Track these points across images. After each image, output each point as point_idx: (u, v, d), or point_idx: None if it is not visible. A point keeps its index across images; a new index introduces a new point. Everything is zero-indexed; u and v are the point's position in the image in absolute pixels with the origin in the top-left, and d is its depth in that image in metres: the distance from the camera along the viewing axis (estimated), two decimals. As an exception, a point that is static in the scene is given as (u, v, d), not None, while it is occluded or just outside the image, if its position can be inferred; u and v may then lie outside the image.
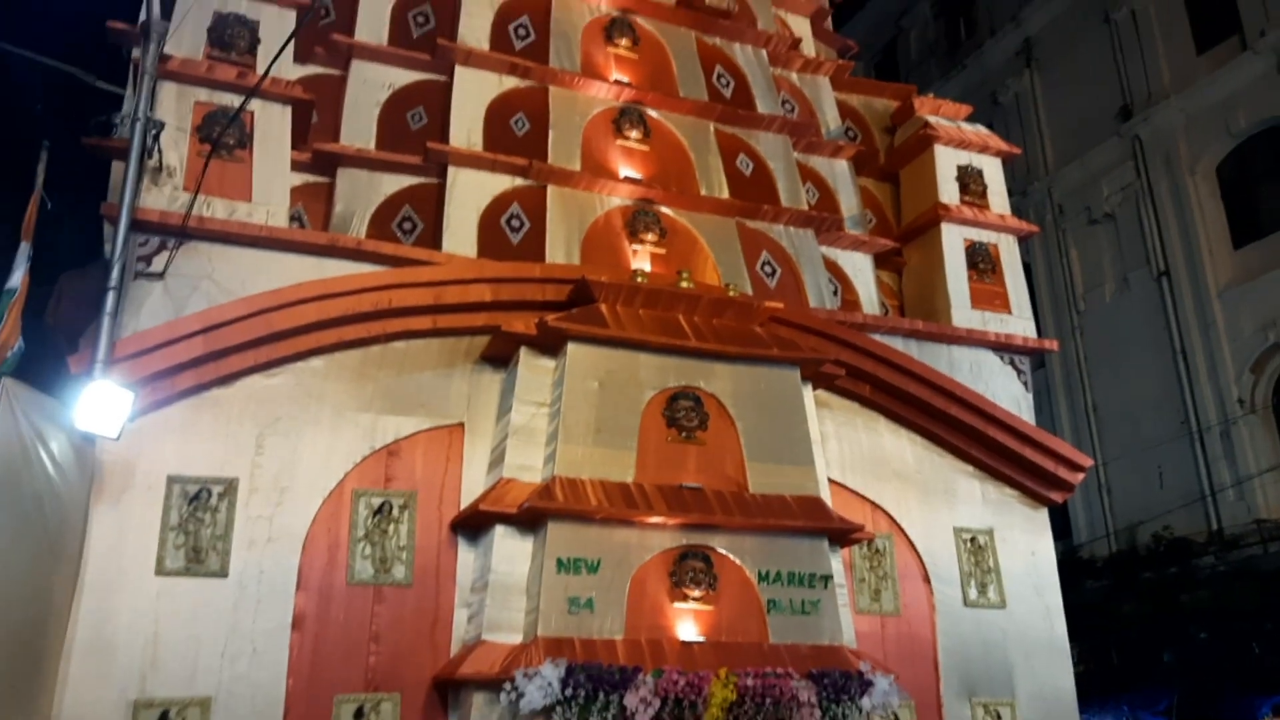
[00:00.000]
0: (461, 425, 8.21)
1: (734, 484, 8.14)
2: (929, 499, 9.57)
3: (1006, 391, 10.22)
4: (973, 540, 9.62)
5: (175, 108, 8.15)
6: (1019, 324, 10.51)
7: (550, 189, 9.29)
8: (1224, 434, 17.40)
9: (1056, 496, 9.97)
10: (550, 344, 8.14)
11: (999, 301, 10.53)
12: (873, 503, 9.36)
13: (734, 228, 9.87)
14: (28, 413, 6.07)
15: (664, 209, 9.66)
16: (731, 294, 8.77)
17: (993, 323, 10.39)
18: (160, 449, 7.35)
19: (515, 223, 9.15)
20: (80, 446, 6.59)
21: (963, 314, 10.26)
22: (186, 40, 8.37)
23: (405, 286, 8.08)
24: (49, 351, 8.12)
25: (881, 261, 10.99)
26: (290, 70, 8.97)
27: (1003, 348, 10.36)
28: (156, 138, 7.59)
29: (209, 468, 7.46)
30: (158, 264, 7.74)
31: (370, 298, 7.95)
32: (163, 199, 7.84)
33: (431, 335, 8.28)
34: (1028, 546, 9.80)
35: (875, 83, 12.55)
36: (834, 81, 11.90)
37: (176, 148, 8.02)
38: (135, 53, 8.78)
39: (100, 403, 6.47)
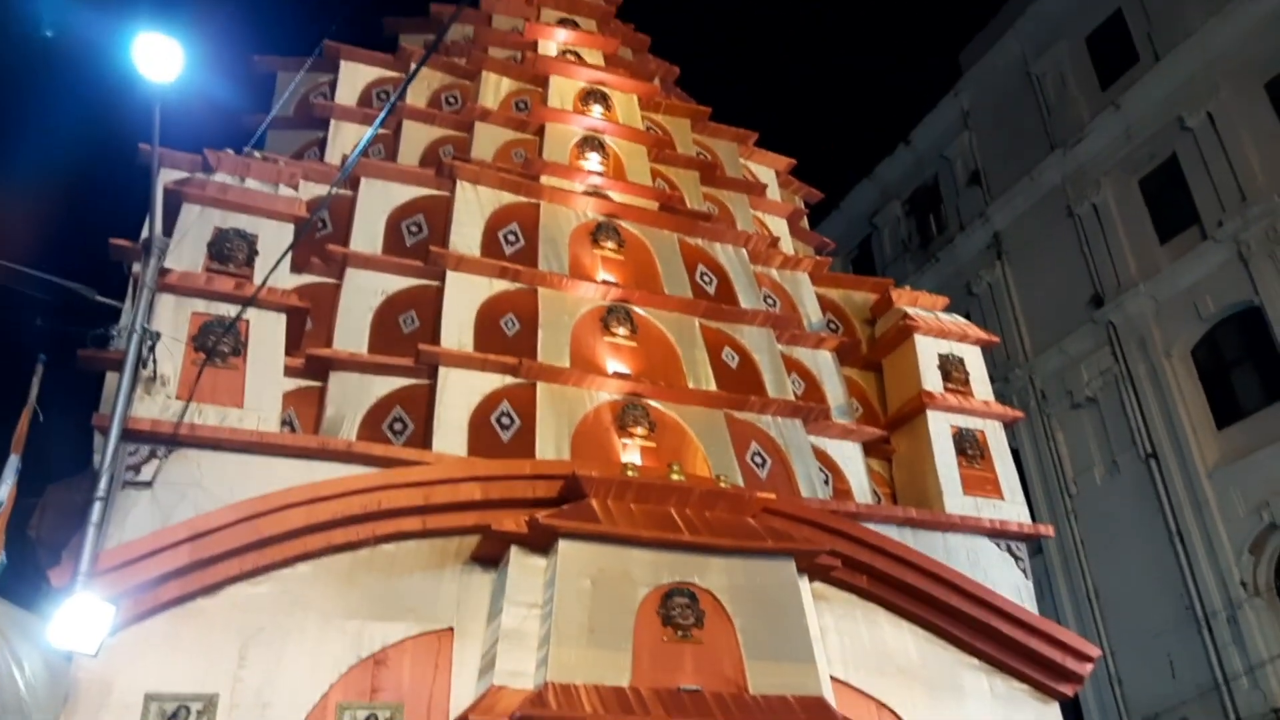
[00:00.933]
0: (451, 630, 7.98)
1: (734, 685, 7.87)
2: (936, 696, 9.23)
3: (1006, 579, 10.05)
4: (983, 738, 9.24)
5: (172, 319, 8.32)
6: (1012, 509, 10.46)
7: (540, 386, 9.41)
8: (1231, 619, 17.02)
9: (1067, 689, 9.65)
10: (541, 542, 8.04)
11: (990, 487, 10.52)
12: (878, 701, 9.03)
13: (723, 419, 9.95)
14: (3, 630, 5.88)
15: (653, 403, 9.76)
16: (723, 485, 8.75)
17: (986, 509, 10.33)
18: (139, 665, 7.10)
19: (505, 420, 9.21)
20: (56, 665, 6.36)
21: (955, 501, 10.22)
22: (186, 254, 8.65)
23: (395, 488, 8.04)
24: (30, 566, 7.96)
25: (871, 450, 11.03)
26: (286, 279, 9.24)
27: (998, 534, 10.26)
28: (152, 349, 7.71)
29: (189, 684, 7.19)
30: (146, 473, 7.71)
31: (359, 500, 7.90)
32: (155, 408, 7.89)
33: (421, 536, 8.18)
34: (1039, 744, 9.41)
35: (854, 277, 12.97)
36: (813, 277, 12.29)
37: (171, 357, 8.14)
38: (135, 267, 9.03)
39: (79, 618, 6.29)
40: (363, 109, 11.90)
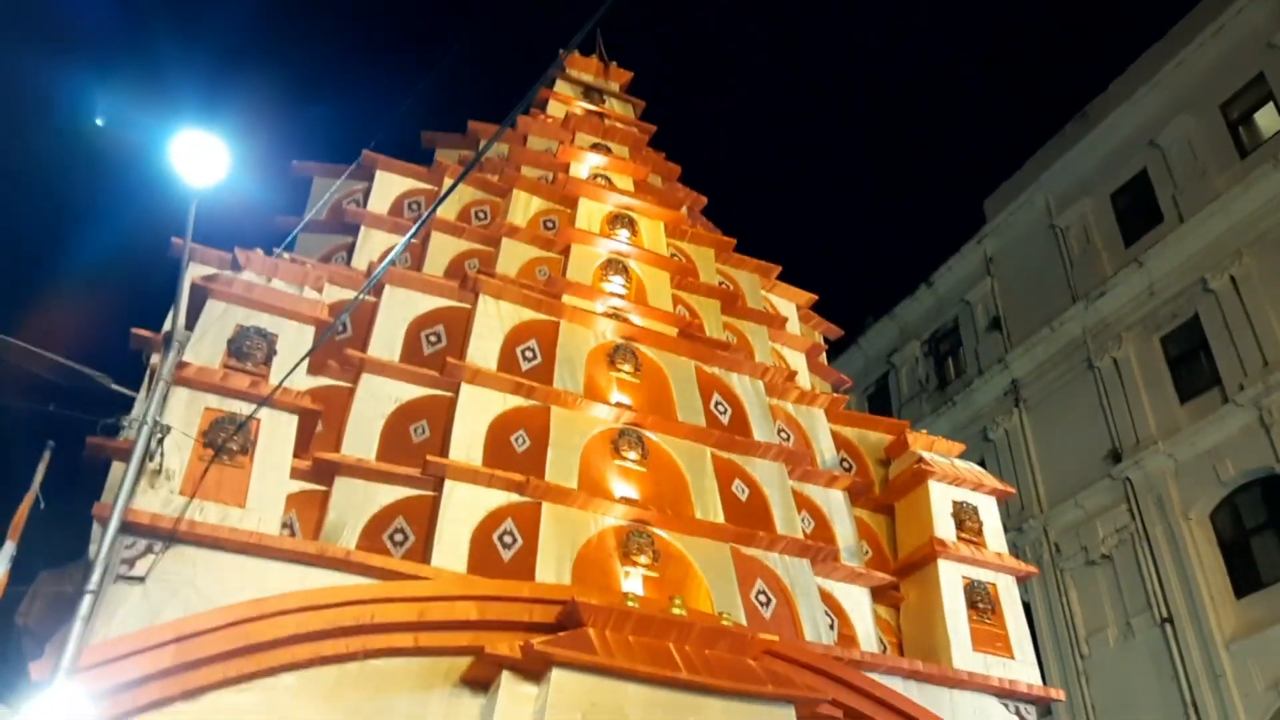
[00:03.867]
0: (435, 756, 7.70)
1: (723, 836, 7.51)
2: None
3: (1011, 742, 9.68)
4: None
5: (185, 413, 8.31)
6: (1022, 669, 10.13)
7: (545, 506, 9.28)
8: (1247, 801, 16.30)
9: None
10: (534, 669, 7.80)
11: (1000, 644, 10.21)
12: None
13: (729, 553, 9.77)
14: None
15: (659, 531, 9.60)
16: (726, 623, 8.52)
17: (995, 667, 10.01)
18: (109, 768, 6.85)
19: (508, 539, 9.06)
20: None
21: (964, 656, 9.92)
22: (205, 350, 8.69)
23: (389, 601, 7.87)
24: (14, 656, 7.77)
25: (878, 596, 10.77)
26: (302, 380, 9.24)
27: (1007, 695, 9.92)
28: (160, 441, 7.67)
29: (159, 792, 6.92)
30: (140, 568, 7.58)
31: (353, 611, 7.72)
32: (156, 502, 7.80)
33: (412, 654, 7.95)
34: None
35: (869, 416, 12.88)
36: (829, 414, 12.22)
37: (179, 452, 8.09)
38: (155, 359, 9.06)
39: (53, 716, 6.09)
40: (393, 218, 12.10)
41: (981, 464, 23.82)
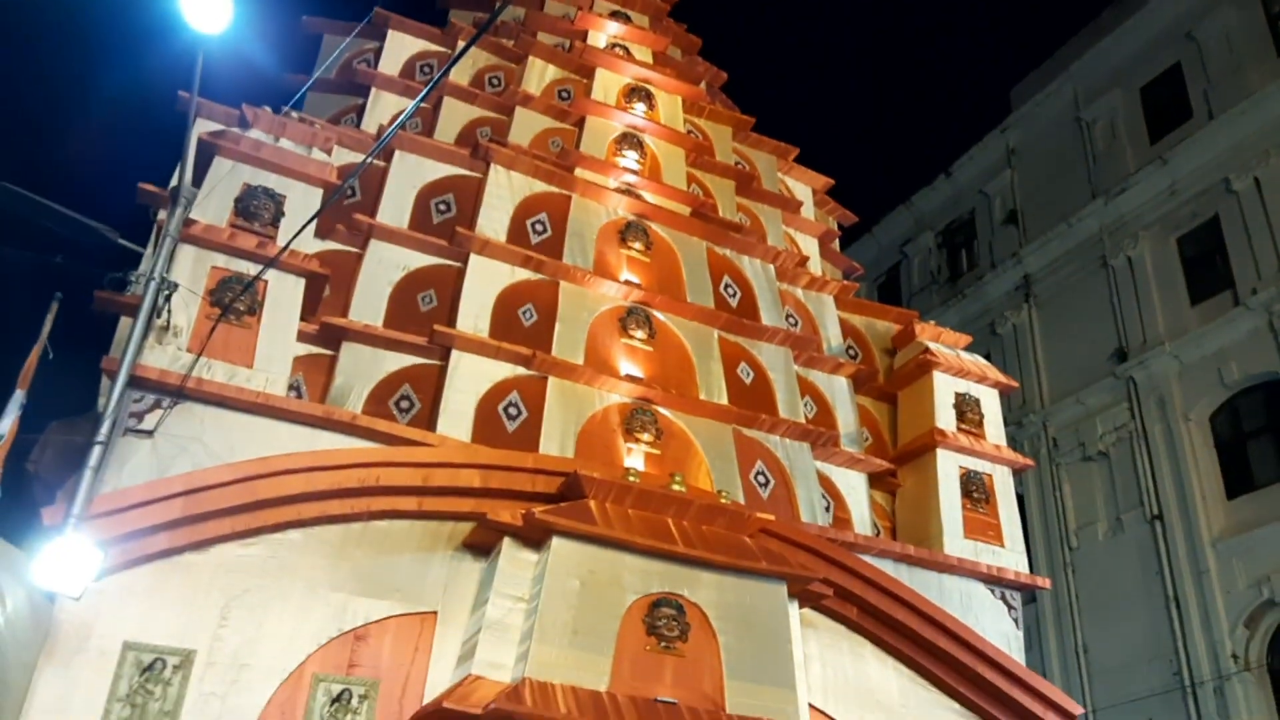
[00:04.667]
0: (435, 614, 7.93)
1: (711, 703, 7.78)
2: (914, 736, 9.14)
3: (996, 627, 9.95)
4: (959, 786, 9.13)
5: (192, 270, 8.28)
6: (1011, 558, 10.35)
7: (551, 380, 9.33)
8: (1218, 690, 16.83)
9: (1048, 743, 9.52)
10: (535, 537, 7.97)
11: (992, 533, 10.40)
12: (855, 735, 8.93)
13: (730, 435, 9.86)
14: (-5, 568, 5.86)
15: (662, 410, 9.67)
16: (724, 501, 8.66)
17: (985, 554, 10.22)
18: (121, 613, 7.07)
19: (513, 411, 9.14)
20: (38, 603, 6.33)
21: (955, 543, 10.11)
22: (213, 208, 8.61)
23: (394, 465, 7.99)
24: (26, 501, 7.94)
25: (875, 482, 10.93)
26: (309, 244, 9.21)
27: (994, 581, 10.16)
28: (168, 298, 7.67)
29: (168, 637, 7.15)
30: (149, 422, 7.68)
31: (358, 474, 7.85)
32: (164, 358, 7.85)
33: (415, 517, 8.12)
34: (1016, 797, 9.29)
35: (878, 305, 12.82)
36: (838, 301, 12.17)
37: (186, 309, 8.10)
38: (161, 215, 8.99)
39: (65, 560, 6.26)
40: (404, 80, 11.83)
41: (987, 357, 23.79)
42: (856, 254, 30.11)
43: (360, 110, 11.73)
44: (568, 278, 10.06)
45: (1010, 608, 10.17)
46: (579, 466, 8.29)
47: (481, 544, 8.14)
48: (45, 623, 6.50)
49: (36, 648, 6.65)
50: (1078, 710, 9.61)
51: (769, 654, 8.18)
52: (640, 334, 10.06)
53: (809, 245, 13.29)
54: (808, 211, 13.72)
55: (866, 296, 28.57)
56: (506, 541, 8.00)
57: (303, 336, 8.96)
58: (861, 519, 10.39)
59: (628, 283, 10.34)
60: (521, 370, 9.34)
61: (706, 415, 9.84)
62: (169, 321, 7.93)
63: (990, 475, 10.73)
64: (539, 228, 10.44)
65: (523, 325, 9.68)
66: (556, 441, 8.98)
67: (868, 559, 9.59)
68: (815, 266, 12.83)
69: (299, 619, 7.53)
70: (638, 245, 10.70)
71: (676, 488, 8.53)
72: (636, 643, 7.81)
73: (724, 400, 10.03)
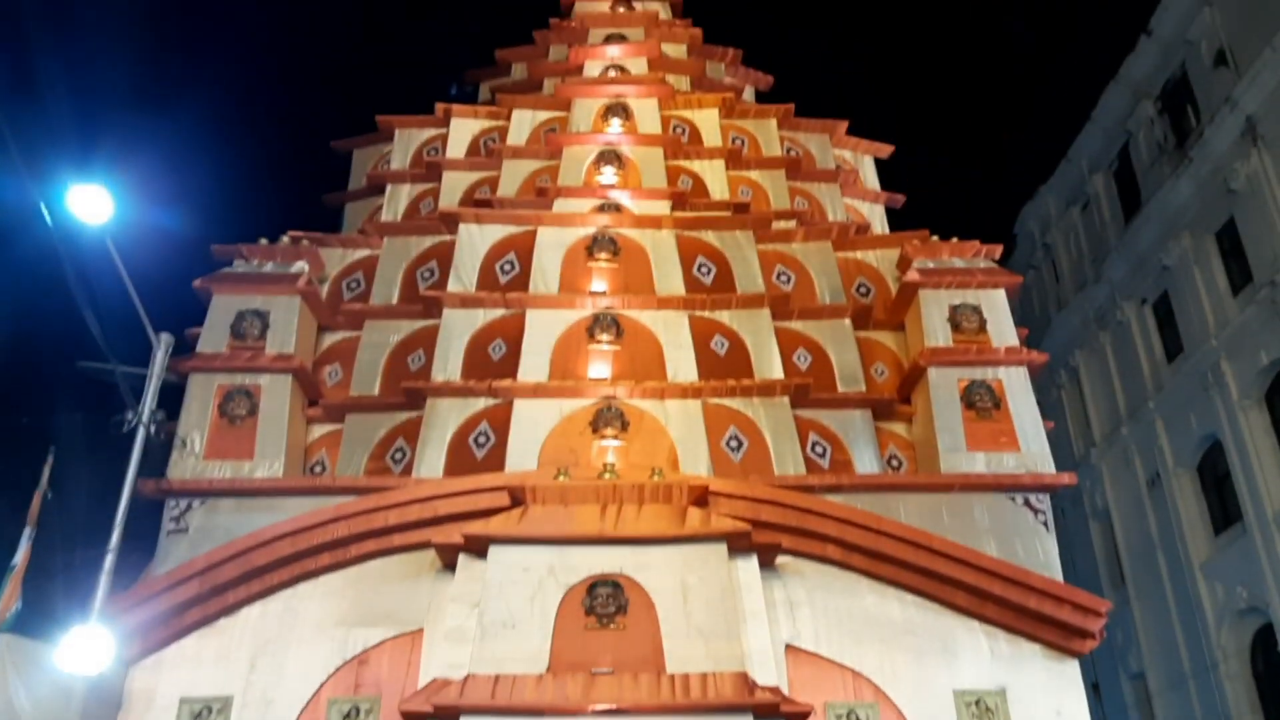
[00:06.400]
0: (421, 630, 9.19)
1: (651, 665, 8.37)
2: (922, 660, 9.02)
3: (1021, 535, 9.56)
4: (979, 703, 8.90)
5: (201, 393, 10.27)
6: (1030, 460, 9.85)
7: (515, 403, 10.31)
8: None
9: (1081, 646, 9.01)
10: (480, 549, 9.01)
11: (1005, 439, 9.97)
12: (853, 670, 9.02)
13: (699, 409, 10.30)
14: (19, 665, 7.92)
15: (629, 401, 10.32)
16: (654, 480, 9.19)
17: (995, 463, 9.83)
18: (175, 674, 9.04)
19: (481, 439, 10.26)
20: (64, 685, 8.28)
21: (955, 459, 9.83)
22: (214, 338, 10.60)
23: (360, 515, 9.38)
24: (48, 604, 9.87)
25: (891, 414, 10.79)
26: (323, 338, 10.97)
27: (1011, 488, 9.74)
28: (158, 434, 9.56)
29: (211, 688, 9.00)
30: (184, 522, 9.71)
31: (332, 528, 9.33)
32: (185, 469, 9.87)
33: (398, 552, 9.46)
34: (1051, 706, 8.86)
35: (883, 236, 12.53)
36: (851, 243, 12.10)
37: (200, 426, 10.08)
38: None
39: (83, 647, 8.21)
40: (412, 170, 13.39)
41: (1229, 223, 21.50)
42: (1083, 145, 28.41)
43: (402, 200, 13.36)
44: (533, 305, 11.01)
45: (1036, 511, 9.69)
46: (506, 479, 9.24)
47: (450, 564, 9.30)
48: (76, 702, 8.36)
49: (113, 711, 8.73)
50: (1105, 606, 9.00)
51: (712, 611, 8.60)
52: (607, 337, 10.78)
53: (873, 211, 13.50)
54: (870, 179, 13.97)
55: (1104, 190, 26.78)
56: (461, 557, 9.11)
57: (315, 419, 10.69)
58: (866, 457, 10.35)
59: (593, 293, 11.11)
60: (488, 401, 10.41)
61: (673, 396, 10.35)
62: (186, 441, 9.94)
63: (1000, 380, 10.27)
64: (507, 267, 11.51)
65: (492, 360, 10.77)
66: (519, 458, 9.95)
67: (867, 498, 9.66)
68: (838, 213, 12.84)
69: (311, 655, 9.10)
70: (604, 255, 11.42)
71: (607, 476, 9.22)
72: (575, 624, 8.59)
73: (693, 378, 10.48)
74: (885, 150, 14.52)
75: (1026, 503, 9.71)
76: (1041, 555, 9.47)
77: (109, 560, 8.96)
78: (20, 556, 8.52)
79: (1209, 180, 22.76)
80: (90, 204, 8.59)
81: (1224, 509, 19.91)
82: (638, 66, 14.08)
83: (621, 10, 15.22)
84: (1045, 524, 9.63)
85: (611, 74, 13.92)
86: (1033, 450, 9.90)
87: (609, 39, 14.54)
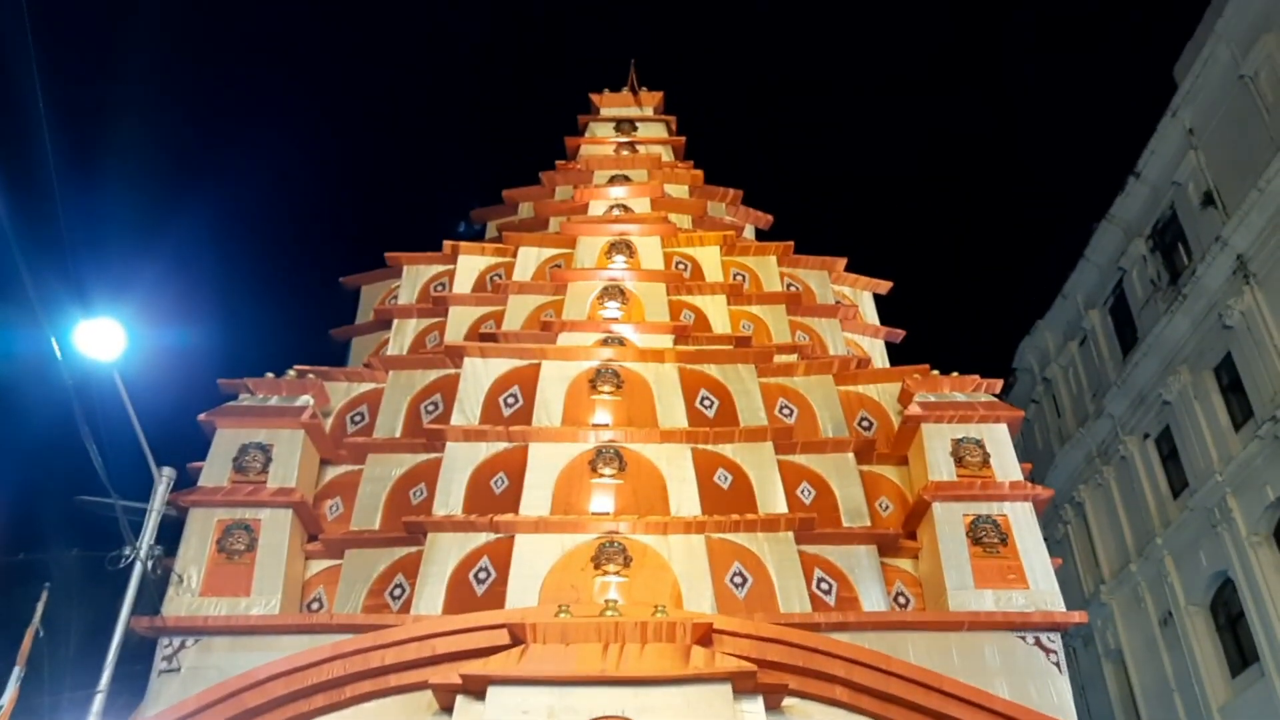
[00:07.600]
0: (421, 776, 8.88)
1: (655, 810, 8.06)
2: (931, 806, 8.72)
3: (1033, 675, 9.32)
4: None
5: (200, 527, 10.18)
6: (1038, 598, 9.68)
7: (516, 538, 10.21)
8: None
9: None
10: (479, 689, 8.77)
11: (1013, 576, 9.83)
12: (863, 819, 8.70)
13: (702, 544, 10.17)
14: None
15: (632, 536, 10.22)
16: (658, 618, 9.02)
17: (1005, 601, 9.67)
18: (164, 820, 8.67)
19: (482, 575, 10.10)
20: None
21: (964, 597, 9.67)
22: (215, 471, 10.56)
23: (355, 654, 9.15)
24: None
25: (900, 551, 10.66)
26: (325, 472, 10.91)
27: (1022, 627, 9.55)
28: (157, 570, 9.48)
29: (197, 836, 8.64)
30: (176, 661, 9.48)
31: (327, 668, 9.09)
32: (181, 606, 9.68)
33: (394, 693, 9.19)
34: None
35: (884, 370, 12.63)
36: (852, 377, 12.18)
37: (198, 561, 9.95)
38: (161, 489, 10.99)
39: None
40: (420, 304, 13.59)
41: (1227, 358, 21.67)
42: (1078, 282, 28.89)
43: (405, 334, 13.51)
44: (536, 438, 11.02)
45: (1048, 651, 9.48)
46: (506, 617, 9.06)
47: (448, 706, 9.03)
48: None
49: None
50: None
51: (716, 754, 8.33)
52: (609, 470, 10.74)
53: (873, 346, 13.67)
54: (869, 314, 14.19)
55: (1100, 325, 27.09)
56: (459, 699, 8.85)
57: (314, 554, 10.56)
58: (873, 594, 10.19)
59: (596, 425, 11.12)
60: (489, 536, 10.31)
61: (676, 531, 10.24)
62: (183, 577, 9.80)
63: (1005, 515, 10.19)
64: (511, 400, 11.56)
65: (494, 494, 10.70)
66: (520, 595, 9.79)
67: (871, 636, 9.46)
68: (838, 347, 12.96)
69: (304, 804, 8.77)
70: (607, 388, 11.49)
71: (609, 614, 9.05)
72: (579, 767, 8.31)
73: (696, 512, 10.40)
74: (884, 286, 14.83)
75: (1038, 642, 9.50)
76: (1055, 698, 9.21)
77: (98, 702, 8.74)
78: (8, 697, 8.30)
79: (1204, 317, 23.08)
80: (99, 339, 8.73)
81: (1239, 649, 19.47)
82: (641, 206, 14.46)
83: (626, 153, 15.72)
84: (1058, 664, 9.40)
85: (615, 213, 14.27)
86: (1042, 588, 9.75)
87: (613, 180, 14.97)
